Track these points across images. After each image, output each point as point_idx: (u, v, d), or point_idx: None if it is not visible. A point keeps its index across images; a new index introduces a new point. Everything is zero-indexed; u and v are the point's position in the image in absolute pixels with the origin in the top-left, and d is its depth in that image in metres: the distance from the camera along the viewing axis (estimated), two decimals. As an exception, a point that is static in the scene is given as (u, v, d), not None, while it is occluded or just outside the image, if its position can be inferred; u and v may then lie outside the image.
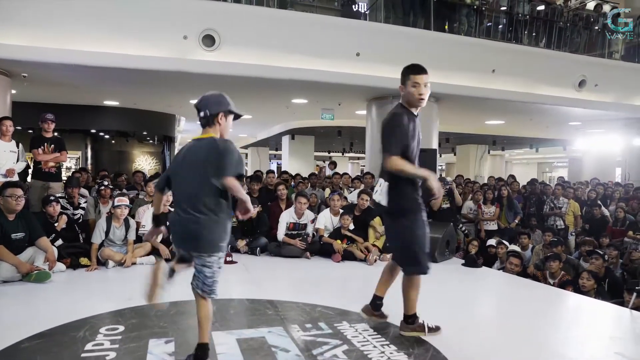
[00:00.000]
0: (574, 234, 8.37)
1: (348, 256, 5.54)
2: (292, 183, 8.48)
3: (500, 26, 9.93)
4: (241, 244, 5.79)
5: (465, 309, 3.90)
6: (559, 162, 29.46)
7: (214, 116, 2.37)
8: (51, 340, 2.80)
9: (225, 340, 2.83)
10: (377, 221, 6.09)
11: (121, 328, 3.01)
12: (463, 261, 5.70)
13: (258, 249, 5.74)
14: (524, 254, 6.34)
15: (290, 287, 4.48)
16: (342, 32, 7.94)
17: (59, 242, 4.91)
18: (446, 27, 9.25)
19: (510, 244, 6.66)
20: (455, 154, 21.09)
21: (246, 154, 26.43)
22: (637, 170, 12.60)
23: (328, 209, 6.09)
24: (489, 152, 20.65)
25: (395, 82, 8.93)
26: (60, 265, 4.60)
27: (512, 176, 10.64)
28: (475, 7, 9.28)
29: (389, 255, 5.84)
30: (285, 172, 9.50)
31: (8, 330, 2.94)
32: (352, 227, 5.83)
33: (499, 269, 6.02)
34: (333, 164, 12.37)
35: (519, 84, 9.26)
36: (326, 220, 5.96)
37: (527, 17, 9.97)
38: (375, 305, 3.07)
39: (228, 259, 5.29)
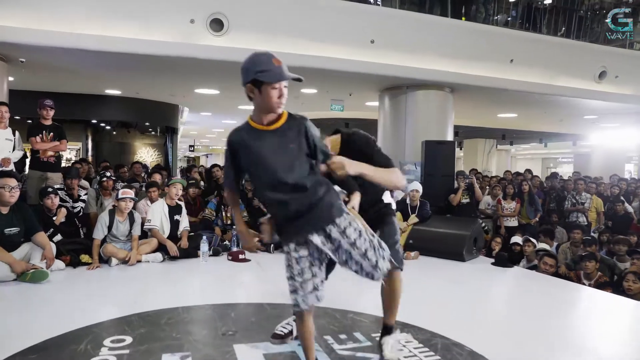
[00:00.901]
0: (596, 231, 7.98)
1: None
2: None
3: (518, 14, 9.54)
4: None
5: (514, 315, 3.50)
6: (564, 158, 29.12)
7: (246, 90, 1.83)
8: (48, 356, 2.40)
9: (250, 354, 2.44)
10: (398, 216, 5.73)
11: (128, 339, 2.61)
12: (492, 260, 5.32)
13: (272, 245, 5.36)
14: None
15: (310, 288, 4.10)
16: (356, 17, 7.55)
17: (58, 237, 4.52)
18: (463, 14, 8.85)
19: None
20: (461, 148, 20.68)
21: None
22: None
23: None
24: (496, 147, 20.25)
25: (410, 71, 8.36)
26: (59, 263, 4.21)
27: (529, 170, 10.25)
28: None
29: (412, 254, 5.48)
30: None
31: (-2, 340, 2.55)
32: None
33: (526, 268, 5.64)
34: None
35: (537, 74, 8.85)
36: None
37: (547, 5, 9.56)
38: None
39: (241, 256, 4.91)
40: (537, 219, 7.84)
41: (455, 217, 6.18)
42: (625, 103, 10.18)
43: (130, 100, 11.00)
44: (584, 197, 8.24)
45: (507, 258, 5.80)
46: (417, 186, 6.12)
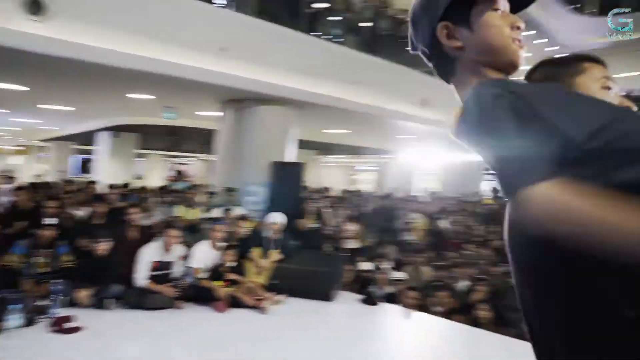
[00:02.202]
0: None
1: (233, 303, 4.43)
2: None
3: (365, 37, 9.85)
4: (83, 294, 4.13)
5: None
6: (367, 167, 31.92)
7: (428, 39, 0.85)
8: None
9: None
10: (257, 252, 5.15)
11: None
12: (358, 296, 5.07)
13: (112, 300, 4.18)
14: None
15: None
16: (206, 20, 6.78)
17: None
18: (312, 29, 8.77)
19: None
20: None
21: (41, 146, 21.82)
22: (452, 183, 14.08)
23: (207, 241, 4.83)
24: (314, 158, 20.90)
25: (260, 85, 7.75)
26: None
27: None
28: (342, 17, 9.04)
29: (277, 297, 4.80)
30: (127, 185, 7.72)
31: None
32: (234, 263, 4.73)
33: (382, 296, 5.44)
34: (179, 173, 10.61)
35: (375, 96, 9.23)
36: (205, 257, 4.70)
37: (388, 31, 10.07)
38: None
39: (66, 325, 3.63)
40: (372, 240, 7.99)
41: (315, 251, 5.80)
42: (436, 127, 11.21)
43: None
44: (412, 217, 8.83)
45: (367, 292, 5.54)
46: (278, 217, 5.56)
